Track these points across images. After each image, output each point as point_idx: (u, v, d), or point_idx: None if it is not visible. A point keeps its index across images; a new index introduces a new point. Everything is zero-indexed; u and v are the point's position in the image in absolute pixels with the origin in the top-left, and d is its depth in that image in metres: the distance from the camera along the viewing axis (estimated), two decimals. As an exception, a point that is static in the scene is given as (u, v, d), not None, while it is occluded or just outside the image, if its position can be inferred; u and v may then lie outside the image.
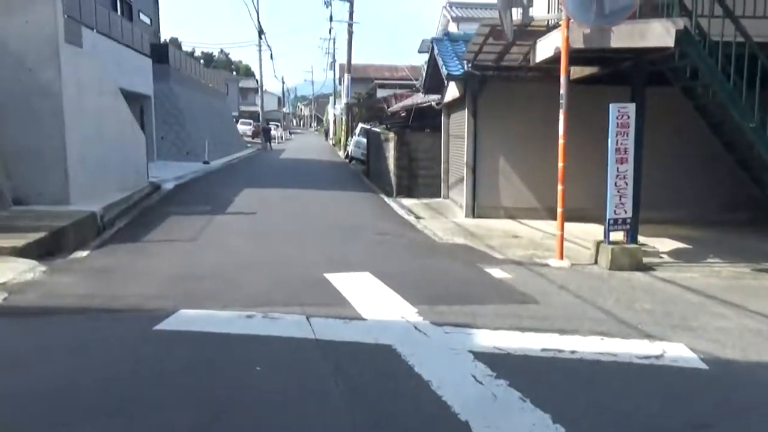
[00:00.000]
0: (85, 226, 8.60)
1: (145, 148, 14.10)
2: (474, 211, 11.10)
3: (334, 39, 60.74)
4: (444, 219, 11.19)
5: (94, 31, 16.47)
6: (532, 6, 7.41)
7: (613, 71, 8.61)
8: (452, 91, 12.18)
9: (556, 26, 7.93)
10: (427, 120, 19.35)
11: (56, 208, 9.11)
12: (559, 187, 7.47)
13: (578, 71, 9.21)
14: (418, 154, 15.11)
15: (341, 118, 48.31)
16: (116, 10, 20.44)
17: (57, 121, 9.45)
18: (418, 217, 11.24)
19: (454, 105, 12.71)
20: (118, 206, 10.48)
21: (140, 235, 8.38)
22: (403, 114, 24.80)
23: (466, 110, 10.92)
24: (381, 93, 47.00)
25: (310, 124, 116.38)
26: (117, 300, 5.22)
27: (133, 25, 20.21)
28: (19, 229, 7.38)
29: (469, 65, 10.12)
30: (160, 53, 23.68)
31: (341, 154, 35.07)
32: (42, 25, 9.27)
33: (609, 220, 7.35)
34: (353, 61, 34.19)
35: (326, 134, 74.86)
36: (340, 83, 64.63)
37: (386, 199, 14.27)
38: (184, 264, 6.73)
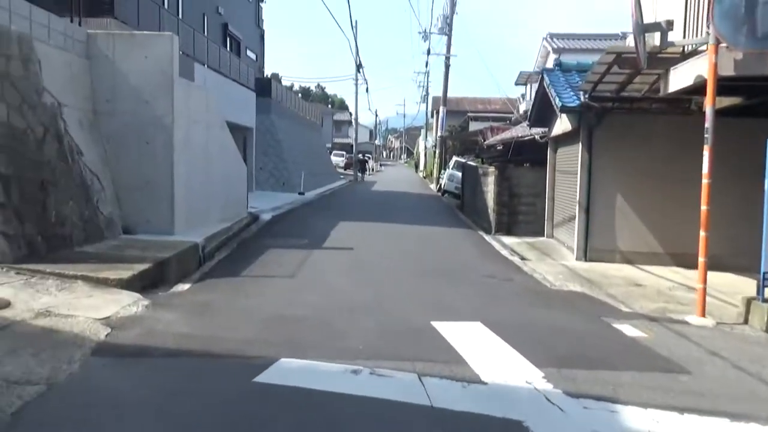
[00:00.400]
0: (188, 258, 8.61)
1: (246, 179, 14.34)
2: (586, 254, 10.14)
3: (428, 73, 61.24)
4: (552, 261, 10.30)
5: (206, 66, 17.27)
6: (672, 30, 6.60)
7: (761, 102, 7.55)
8: (562, 124, 11.39)
9: (693, 52, 7.05)
10: (527, 154, 18.52)
11: (161, 238, 9.24)
12: (702, 234, 6.48)
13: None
14: (520, 189, 14.31)
15: (433, 151, 48.14)
16: (226, 47, 21.47)
17: (167, 152, 9.68)
18: (523, 258, 10.43)
19: (564, 139, 11.88)
20: (218, 237, 10.54)
21: (239, 269, 8.24)
22: (499, 147, 24.02)
23: (580, 144, 10.09)
24: (474, 126, 46.47)
25: (400, 156, 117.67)
26: (216, 343, 4.92)
27: (240, 60, 21.12)
28: (126, 259, 7.44)
29: (586, 96, 9.35)
30: (263, 87, 24.59)
31: (433, 187, 34.66)
32: (159, 60, 9.60)
33: (764, 273, 6.26)
34: (451, 92, 33.88)
35: (416, 166, 75.14)
36: (432, 116, 65.00)
37: (485, 236, 13.54)
38: (283, 304, 6.41)
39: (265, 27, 28.59)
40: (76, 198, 8.43)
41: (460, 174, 26.31)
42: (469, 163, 23.96)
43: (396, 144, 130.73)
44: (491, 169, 15.50)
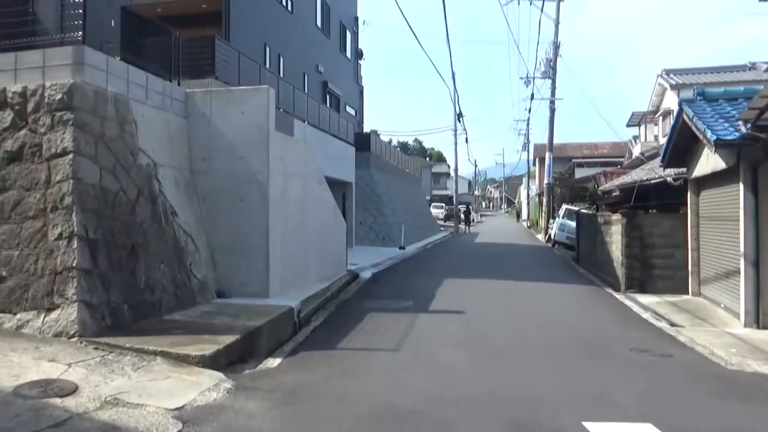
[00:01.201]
0: (281, 325, 7.77)
1: (345, 235, 13.62)
2: (758, 319, 8.13)
3: (528, 120, 59.50)
4: (711, 328, 8.36)
5: (305, 122, 17.16)
6: None
7: None
8: (709, 162, 9.59)
9: None
10: (654, 199, 16.45)
11: (255, 302, 8.53)
12: None
13: None
14: (653, 239, 12.36)
15: (538, 200, 45.92)
16: (326, 104, 21.55)
17: (262, 209, 9.10)
18: (673, 324, 8.58)
19: (712, 179, 10.02)
20: (315, 299, 9.70)
21: (336, 339, 7.23)
22: (616, 193, 21.85)
23: (741, 185, 8.27)
24: (580, 172, 43.88)
25: (500, 206, 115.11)
26: (305, 451, 3.84)
27: (340, 116, 21.06)
28: (214, 329, 6.69)
29: (748, 127, 7.63)
30: (362, 141, 24.41)
31: (540, 237, 32.52)
32: (256, 115, 9.18)
33: None
34: (555, 139, 32.11)
35: (518, 216, 72.74)
36: (534, 164, 62.76)
37: (615, 294, 11.69)
38: (386, 389, 5.26)
39: (363, 83, 28.82)
40: (169, 261, 7.95)
41: (572, 223, 24.30)
42: (583, 211, 21.99)
43: (495, 194, 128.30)
44: (616, 216, 13.67)
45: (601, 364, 6.13)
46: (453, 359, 6.27)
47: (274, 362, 6.23)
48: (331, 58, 23.88)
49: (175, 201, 8.63)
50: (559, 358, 6.42)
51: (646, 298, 11.05)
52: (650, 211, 14.46)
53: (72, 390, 4.62)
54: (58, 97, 6.84)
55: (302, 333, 7.83)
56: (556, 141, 55.67)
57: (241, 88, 9.59)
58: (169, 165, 8.70)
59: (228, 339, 6.21)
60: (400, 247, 22.32)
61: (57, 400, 4.37)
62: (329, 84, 22.86)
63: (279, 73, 17.15)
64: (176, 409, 4.47)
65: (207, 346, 5.86)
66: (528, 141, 62.14)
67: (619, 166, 33.54)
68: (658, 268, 12.33)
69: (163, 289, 7.62)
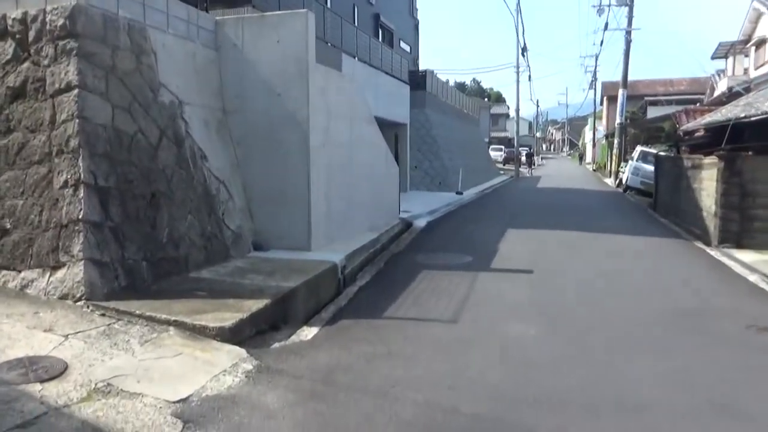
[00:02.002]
0: (322, 285, 6.84)
1: (398, 180, 12.49)
2: None
3: (597, 56, 55.31)
4: (841, 297, 6.83)
5: (355, 59, 15.81)
6: None
7: None
8: None
9: None
10: (748, 141, 14.36)
11: (294, 257, 7.63)
12: None
13: None
14: (756, 187, 10.56)
15: (604, 141, 42.97)
16: (377, 37, 20.01)
17: (302, 154, 8.06)
18: (790, 291, 7.09)
19: None
20: (363, 253, 8.73)
21: (383, 304, 6.23)
22: (700, 134, 19.54)
23: None
24: (653, 112, 40.56)
25: (562, 149, 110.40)
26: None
27: (393, 52, 19.52)
28: (242, 291, 5.81)
29: None
30: (417, 80, 22.81)
31: (609, 181, 30.31)
32: (293, 44, 8.00)
33: None
34: (619, 77, 29.24)
35: (580, 158, 69.39)
36: (601, 104, 58.77)
37: (708, 250, 10.13)
38: (442, 380, 4.20)
39: (419, 17, 26.83)
40: (197, 212, 7.09)
41: (647, 167, 22.16)
42: (662, 153, 19.89)
43: (557, 136, 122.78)
44: (708, 159, 11.87)
45: (716, 350, 4.85)
46: (523, 336, 5.14)
47: (309, 333, 5.32)
48: (384, -13, 22.08)
49: (205, 144, 7.69)
50: (657, 338, 5.16)
51: (746, 255, 9.45)
52: (748, 153, 12.53)
53: (60, 371, 3.83)
54: (60, 22, 5.88)
55: (345, 294, 6.89)
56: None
57: (275, 13, 8.38)
58: (197, 103, 7.72)
59: (256, 305, 5.32)
60: (458, 192, 21.03)
61: (36, 387, 3.59)
62: (381, 17, 21.19)
63: (326, 3, 15.72)
64: (179, 401, 3.61)
65: (229, 315, 4.98)
66: (594, 79, 58.08)
67: (698, 104, 30.45)
68: (760, 220, 10.61)
69: (191, 243, 6.79)
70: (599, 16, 27.20)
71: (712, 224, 11.19)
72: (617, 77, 37.97)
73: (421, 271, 7.82)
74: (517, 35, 32.54)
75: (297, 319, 5.83)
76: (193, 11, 7.88)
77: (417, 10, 26.13)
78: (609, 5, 25.97)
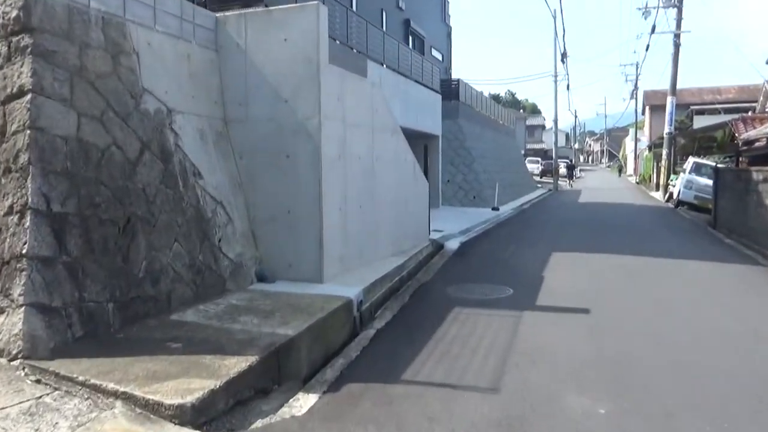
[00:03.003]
0: (331, 328, 5.64)
1: (428, 197, 11.24)
2: None
3: (638, 64, 53.10)
4: None
5: (383, 65, 14.71)
6: None
7: None
8: None
9: None
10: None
11: (302, 290, 6.47)
12: None
13: None
14: None
15: (648, 153, 40.79)
16: (407, 44, 18.90)
17: (312, 168, 6.91)
18: None
19: None
20: (385, 283, 7.50)
21: (403, 359, 4.97)
22: (762, 143, 17.70)
23: None
24: (699, 121, 38.38)
25: (600, 160, 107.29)
26: None
27: (424, 59, 18.37)
28: (227, 341, 4.64)
29: None
30: (450, 89, 21.58)
31: (657, 195, 28.35)
32: (302, 42, 6.90)
33: None
34: (660, 86, 27.33)
35: (619, 171, 67.06)
36: (642, 113, 56.37)
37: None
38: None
39: (452, 24, 25.66)
40: (186, 238, 5.99)
41: (702, 180, 20.37)
42: (722, 165, 18.14)
43: (595, 147, 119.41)
44: (788, 172, 10.27)
45: None
46: (591, 417, 3.79)
47: (304, 403, 4.10)
48: (414, -8, 21.00)
49: (200, 158, 6.62)
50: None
51: None
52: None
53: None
54: (14, 14, 4.89)
55: (359, 341, 5.65)
56: (667, 87, 49.32)
57: (282, 7, 7.29)
58: (191, 112, 6.67)
59: (238, 365, 4.14)
60: (494, 208, 19.62)
61: None
62: (412, 23, 20.09)
63: (350, 5, 14.69)
64: None
65: (198, 383, 3.80)
66: (636, 88, 55.90)
67: (750, 112, 28.38)
68: None
69: (175, 277, 5.69)
70: (645, 18, 25.36)
71: (794, 248, 9.58)
72: (659, 86, 35.87)
73: (453, 309, 6.53)
74: (556, 40, 30.86)
75: (294, 379, 4.63)
76: (188, 6, 6.86)
77: (449, 16, 24.98)
78: (657, 7, 24.23)
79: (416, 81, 17.22)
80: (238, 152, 7.26)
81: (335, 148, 7.29)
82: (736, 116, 28.69)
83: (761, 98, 33.71)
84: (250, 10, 7.23)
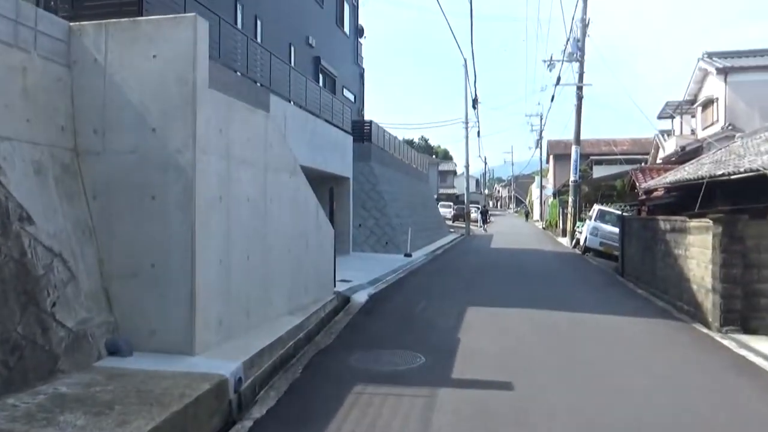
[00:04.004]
0: (194, 420, 4.30)
1: (333, 245, 10.12)
2: None
3: (541, 115, 55.82)
4: None
5: (290, 102, 13.69)
6: None
7: None
8: None
9: None
10: (720, 202, 12.97)
11: (164, 367, 5.08)
12: None
13: None
14: (762, 256, 8.83)
15: (555, 199, 42.32)
16: (317, 82, 18.06)
17: (184, 211, 5.62)
18: None
19: None
20: (274, 351, 6.23)
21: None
22: (659, 193, 18.28)
23: None
24: (598, 171, 40.54)
25: (509, 206, 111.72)
26: None
27: (334, 98, 17.57)
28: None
29: None
30: (362, 130, 20.92)
31: (563, 241, 28.96)
32: (174, 60, 5.71)
33: None
34: (564, 136, 28.40)
35: (526, 216, 70.07)
36: (546, 162, 59.09)
37: (715, 336, 8.17)
38: None
39: (365, 66, 25.29)
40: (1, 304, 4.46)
41: (607, 227, 20.79)
42: (629, 215, 18.53)
43: (503, 193, 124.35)
44: (696, 223, 10.16)
45: None
46: None
47: None
48: (326, 31, 20.38)
49: (32, 199, 5.14)
50: None
51: (764, 344, 7.53)
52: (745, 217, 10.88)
53: None
54: None
55: (231, 436, 4.33)
56: (569, 136, 51.86)
57: (152, 18, 6.07)
58: (23, 139, 5.21)
59: None
60: (406, 254, 18.85)
61: None
62: (322, 60, 19.36)
63: (255, 38, 13.65)
64: None
65: None
66: (540, 138, 58.70)
67: (643, 164, 30.07)
68: (767, 296, 8.81)
69: (-28, 361, 4.14)
70: (550, 71, 26.30)
71: (707, 300, 9.31)
72: (563, 135, 37.49)
73: (354, 386, 5.35)
74: (467, 86, 31.39)
75: None
76: (28, 8, 5.49)
77: (362, 58, 24.60)
78: (561, 60, 25.18)
79: (326, 120, 16.34)
80: (91, 191, 5.83)
81: (215, 188, 6.05)
82: (632, 167, 30.16)
83: (652, 150, 36.09)
84: (113, 20, 5.95)
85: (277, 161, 7.75)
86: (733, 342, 7.71)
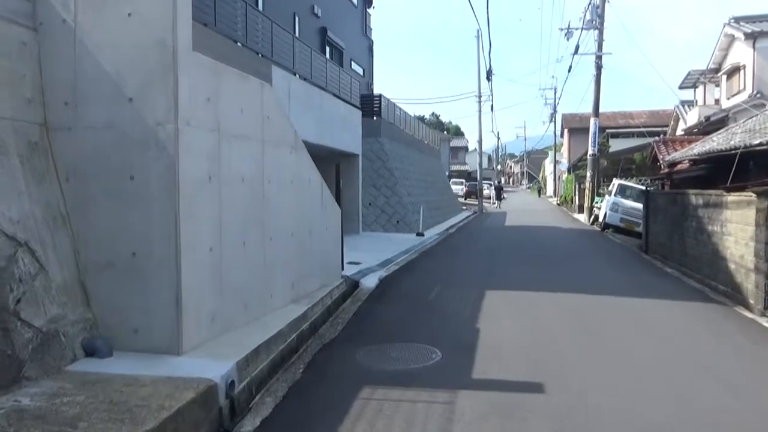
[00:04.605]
0: (169, 443, 3.66)
1: (340, 226, 9.43)
2: None
3: (555, 88, 54.39)
4: None
5: (295, 75, 12.91)
6: None
7: None
8: None
9: None
10: (755, 176, 12.11)
11: (144, 371, 4.46)
12: None
13: None
14: (812, 234, 8.01)
15: (570, 174, 41.21)
16: (324, 54, 17.21)
17: (166, 192, 4.95)
18: None
19: None
20: (274, 346, 5.60)
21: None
22: (684, 166, 17.32)
23: None
24: (614, 144, 39.32)
25: (521, 182, 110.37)
26: None
27: (342, 71, 16.73)
28: None
29: None
30: (371, 105, 20.08)
31: (580, 218, 28.07)
32: (152, 20, 4.98)
33: None
34: (579, 110, 27.27)
35: (539, 192, 69.28)
36: (561, 136, 57.71)
37: (760, 320, 7.42)
38: None
39: (374, 38, 24.29)
40: (-55, 304, 3.84)
41: (628, 202, 19.89)
42: (654, 189, 17.62)
43: (516, 169, 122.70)
44: (736, 197, 9.33)
45: None
46: None
47: None
48: (332, 0, 19.41)
49: (-9, 180, 4.49)
50: None
51: (817, 331, 6.79)
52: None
53: None
54: None
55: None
56: (582, 110, 50.45)
57: (125, -30, 5.32)
58: (-22, 111, 4.54)
59: None
60: (418, 234, 18.17)
61: None
62: (329, 32, 18.46)
63: (255, 5, 12.82)
64: None
65: None
66: (554, 111, 57.32)
67: (661, 135, 28.97)
68: (818, 278, 8.02)
69: None
70: (567, 39, 25.10)
71: (747, 281, 8.55)
72: (579, 109, 36.32)
73: (362, 389, 4.70)
74: (479, 59, 30.04)
75: None
76: (-20, -39, 4.76)
77: (371, 29, 23.59)
78: (580, 28, 23.99)
79: (334, 95, 15.55)
80: (63, 172, 5.17)
81: (203, 166, 5.36)
82: (650, 140, 29.09)
83: (671, 122, 34.80)
84: (82, -26, 5.21)
85: (276, 135, 7.02)
86: (777, 327, 6.97)
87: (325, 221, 8.68)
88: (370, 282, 9.62)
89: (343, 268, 9.66)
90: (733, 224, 9.29)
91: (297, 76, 13.23)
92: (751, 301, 8.32)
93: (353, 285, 9.32)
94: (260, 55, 11.36)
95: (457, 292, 8.80)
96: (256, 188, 6.42)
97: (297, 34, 15.57)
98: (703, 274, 10.51)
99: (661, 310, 7.80)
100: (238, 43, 10.86)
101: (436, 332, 6.42)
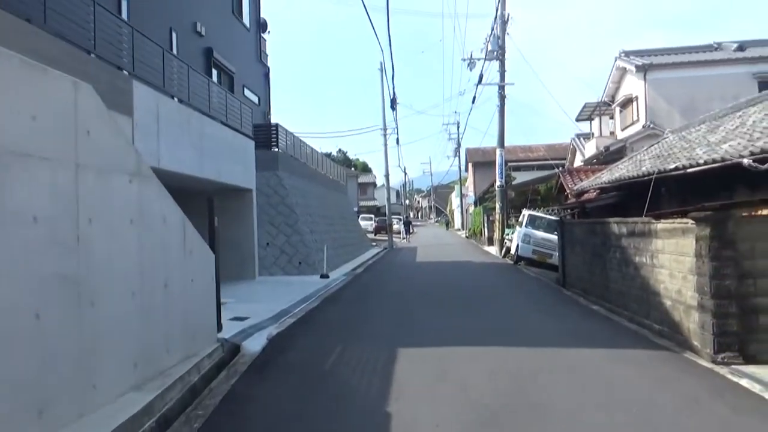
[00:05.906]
0: None
1: (212, 275, 7.42)
2: None
3: (458, 123, 55.30)
4: None
5: (174, 99, 10.89)
6: None
7: None
8: None
9: None
10: (665, 203, 11.61)
11: None
12: None
13: None
14: (757, 263, 7.10)
15: (478, 207, 41.23)
16: (209, 75, 15.24)
17: None
18: None
19: None
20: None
21: None
22: (591, 195, 16.94)
23: None
24: (518, 176, 39.97)
25: (429, 216, 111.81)
26: None
27: (230, 96, 14.79)
28: None
29: None
30: (267, 136, 18.24)
31: (491, 250, 27.48)
32: None
33: None
34: (483, 144, 27.01)
35: (447, 225, 70.34)
36: (466, 170, 58.51)
37: (713, 368, 6.29)
38: None
39: (270, 65, 22.57)
40: None
41: (539, 233, 19.29)
42: (569, 219, 16.99)
43: (423, 203, 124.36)
44: (668, 224, 8.40)
45: None
46: None
47: None
48: (219, 19, 17.59)
49: None
50: None
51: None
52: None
53: None
54: None
55: None
56: (486, 144, 51.38)
57: None
58: None
59: None
60: (322, 275, 16.33)
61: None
62: (215, 53, 16.55)
63: (117, 12, 10.71)
64: None
65: None
66: (458, 146, 58.14)
67: (560, 168, 29.36)
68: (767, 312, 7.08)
69: None
70: (470, 70, 24.72)
71: (688, 320, 7.52)
72: (482, 143, 36.54)
73: None
74: (383, 83, 28.97)
75: None
76: None
77: (267, 55, 21.88)
78: (482, 59, 23.67)
79: (221, 122, 13.60)
80: None
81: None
82: (549, 172, 29.27)
83: (569, 155, 35.74)
84: None
85: (103, 158, 5.04)
86: (746, 379, 5.82)
87: (190, 270, 6.68)
88: (255, 344, 7.64)
89: (220, 329, 7.64)
90: (666, 255, 8.32)
91: (176, 99, 11.22)
92: (696, 343, 7.26)
93: (233, 350, 7.31)
94: (117, 68, 9.28)
95: (362, 354, 7.03)
96: (63, 231, 4.39)
97: (176, 52, 13.56)
98: (632, 311, 9.51)
99: (606, 366, 6.46)
100: (92, 54, 8.77)
101: (332, 426, 4.61)
